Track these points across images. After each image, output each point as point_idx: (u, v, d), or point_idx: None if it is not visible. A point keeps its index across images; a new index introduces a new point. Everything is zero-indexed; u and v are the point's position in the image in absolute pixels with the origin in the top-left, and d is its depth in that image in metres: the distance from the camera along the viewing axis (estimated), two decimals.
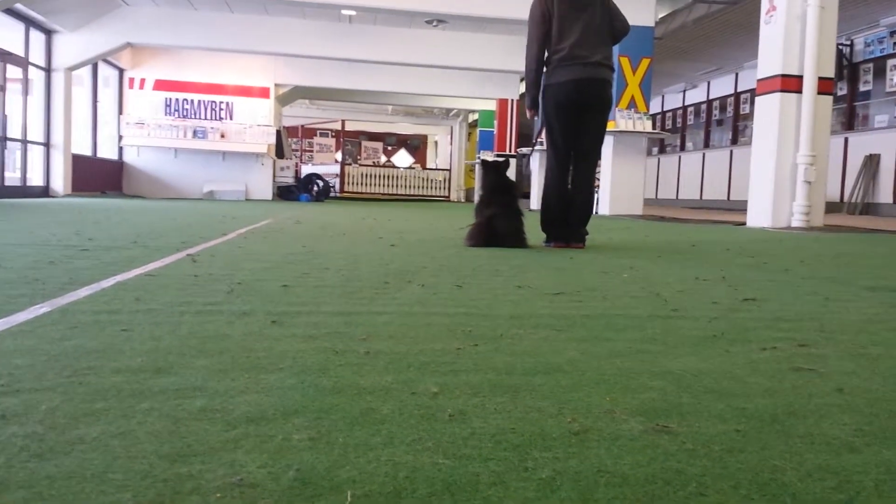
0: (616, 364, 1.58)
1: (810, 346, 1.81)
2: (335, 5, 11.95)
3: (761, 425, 1.18)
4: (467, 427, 1.13)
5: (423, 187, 24.97)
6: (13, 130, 12.48)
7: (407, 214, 10.51)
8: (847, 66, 13.89)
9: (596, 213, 12.06)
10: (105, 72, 16.55)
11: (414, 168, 28.22)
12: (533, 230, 4.81)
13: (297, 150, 26.01)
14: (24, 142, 12.90)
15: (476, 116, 23.86)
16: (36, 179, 13.50)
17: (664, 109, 22.12)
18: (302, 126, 27.89)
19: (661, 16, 12.32)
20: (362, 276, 2.99)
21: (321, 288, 2.62)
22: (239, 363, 1.50)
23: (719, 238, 6.25)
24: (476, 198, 17.77)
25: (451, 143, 28.07)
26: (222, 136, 17.49)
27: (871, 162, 12.79)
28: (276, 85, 18.06)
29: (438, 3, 11.41)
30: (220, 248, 4.12)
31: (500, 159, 5.05)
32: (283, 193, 18.40)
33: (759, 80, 8.32)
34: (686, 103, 21.10)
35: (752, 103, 13.41)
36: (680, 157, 20.82)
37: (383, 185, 24.66)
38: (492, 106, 20.60)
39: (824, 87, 7.90)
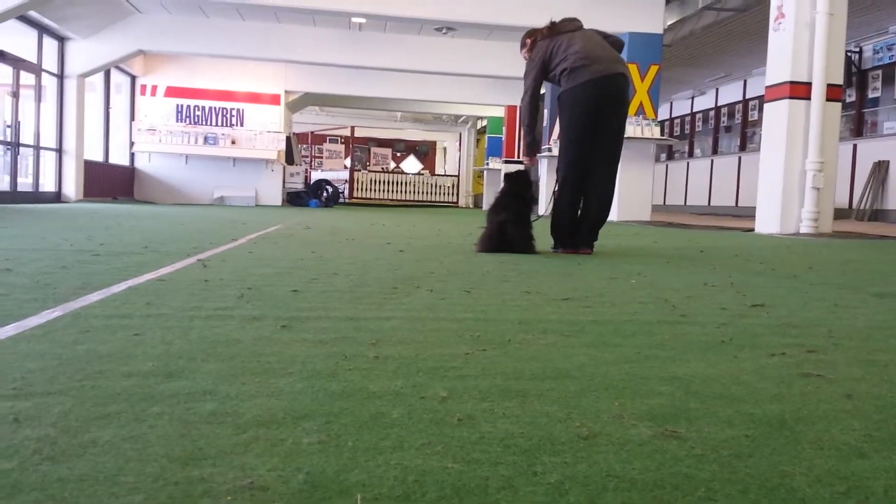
0: (624, 369, 1.58)
1: (819, 352, 1.81)
2: (345, 13, 11.99)
3: (770, 430, 1.18)
4: (476, 431, 1.14)
5: (431, 193, 25.02)
6: (26, 136, 12.57)
7: (415, 220, 10.52)
8: (856, 73, 13.86)
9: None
10: (117, 78, 16.65)
11: (423, 174, 28.24)
12: (541, 235, 4.80)
13: (306, 157, 26.10)
14: (37, 148, 12.99)
15: (485, 123, 23.88)
16: (48, 185, 13.58)
17: (672, 116, 22.10)
18: (312, 132, 28.01)
19: (669, 23, 12.31)
20: (371, 282, 3.00)
21: (330, 293, 2.63)
22: (249, 367, 1.51)
23: (727, 244, 6.23)
24: (487, 204, 17.65)
25: (460, 150, 28.09)
26: (233, 142, 17.56)
27: (880, 168, 12.74)
28: (287, 92, 18.13)
29: (448, 11, 11.43)
30: (230, 254, 4.14)
31: (521, 168, 5.05)
32: (293, 199, 18.46)
33: (767, 87, 8.31)
34: (694, 110, 21.07)
35: (761, 110, 13.37)
36: (688, 164, 20.79)
37: (392, 191, 24.71)
38: (500, 112, 20.63)
39: (833, 93, 7.88)
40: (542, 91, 4.93)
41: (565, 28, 4.89)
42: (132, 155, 17.25)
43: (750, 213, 9.88)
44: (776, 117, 8.06)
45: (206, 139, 17.40)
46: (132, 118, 17.19)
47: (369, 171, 26.79)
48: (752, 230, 8.46)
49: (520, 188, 4.78)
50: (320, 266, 3.58)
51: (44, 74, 13.08)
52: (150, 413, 1.19)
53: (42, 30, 12.94)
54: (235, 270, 3.28)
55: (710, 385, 1.46)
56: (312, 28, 14.95)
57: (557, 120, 4.99)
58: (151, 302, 2.30)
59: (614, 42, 4.93)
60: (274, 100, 17.92)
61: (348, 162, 27.51)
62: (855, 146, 13.55)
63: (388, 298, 2.54)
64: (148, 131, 17.08)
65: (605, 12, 10.36)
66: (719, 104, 19.67)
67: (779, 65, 8.06)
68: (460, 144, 28.09)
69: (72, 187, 13.85)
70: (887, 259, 5.05)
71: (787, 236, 7.60)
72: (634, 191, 11.61)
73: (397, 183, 25.08)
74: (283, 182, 18.56)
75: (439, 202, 24.75)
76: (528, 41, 5.04)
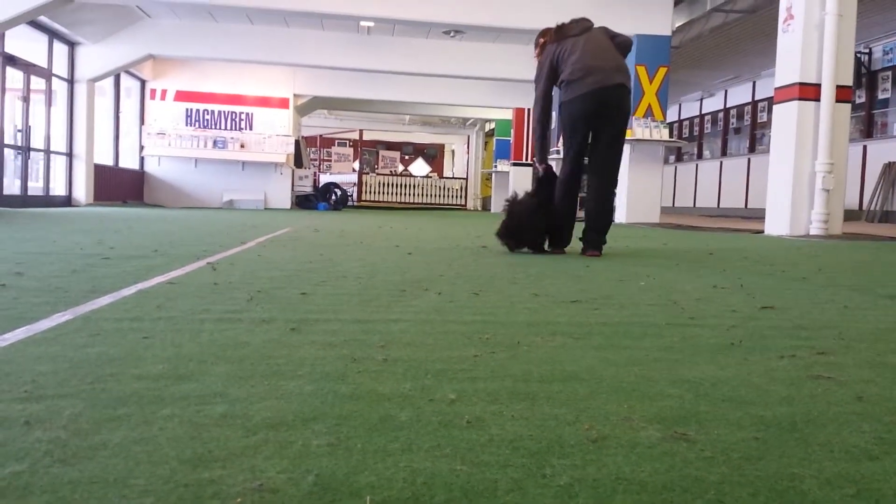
0: (634, 372, 1.57)
1: (829, 354, 1.80)
2: (354, 17, 12.02)
3: (780, 433, 1.18)
4: (485, 434, 1.14)
5: (439, 196, 25.03)
6: (37, 141, 12.65)
7: (423, 223, 10.53)
8: (865, 74, 13.80)
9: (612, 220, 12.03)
10: (127, 83, 16.74)
11: (431, 177, 28.28)
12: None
13: (315, 160, 26.18)
14: (48, 152, 13.07)
15: (493, 125, 23.89)
16: (59, 189, 13.67)
17: (681, 118, 22.06)
18: (320, 136, 28.10)
19: (678, 25, 12.29)
20: (379, 284, 3.00)
21: (339, 296, 2.64)
22: (259, 370, 1.51)
23: (737, 246, 6.21)
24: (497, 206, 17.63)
25: (468, 152, 28.11)
26: (242, 146, 17.63)
27: (890, 170, 12.67)
28: (296, 95, 18.20)
29: (456, 14, 11.45)
30: (239, 257, 4.15)
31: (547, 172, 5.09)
32: (302, 202, 18.51)
33: (776, 89, 8.28)
34: (703, 111, 21.03)
35: (770, 111, 13.33)
36: (697, 166, 20.73)
37: (400, 194, 24.74)
38: (508, 115, 20.64)
39: (842, 95, 7.85)
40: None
41: (572, 31, 4.89)
42: (142, 159, 17.34)
43: (759, 215, 9.85)
44: (785, 119, 8.04)
45: (215, 143, 17.48)
46: (142, 122, 17.28)
47: (378, 174, 26.83)
48: (762, 232, 8.43)
49: (542, 189, 4.89)
50: (329, 269, 3.59)
51: (54, 79, 13.17)
52: (160, 415, 1.19)
53: (53, 35, 13.03)
54: (245, 273, 3.29)
55: (719, 387, 1.46)
56: (321, 32, 15.00)
57: None
58: (161, 305, 2.31)
59: (621, 43, 4.92)
60: (283, 103, 17.99)
61: (357, 165, 27.56)
62: (865, 147, 13.49)
63: (396, 301, 2.54)
64: (157, 135, 17.17)
65: (614, 14, 10.34)
66: (728, 106, 19.62)
67: (788, 66, 8.04)
68: (468, 147, 28.11)
69: (82, 191, 13.93)
70: None
71: (797, 238, 7.57)
72: (643, 193, 11.60)
73: (405, 186, 25.11)
74: (292, 185, 18.62)
75: (447, 205, 24.76)
76: (541, 41, 5.06)
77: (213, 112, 17.78)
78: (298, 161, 18.79)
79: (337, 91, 18.31)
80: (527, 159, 19.15)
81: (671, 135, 12.04)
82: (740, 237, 7.90)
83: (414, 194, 24.87)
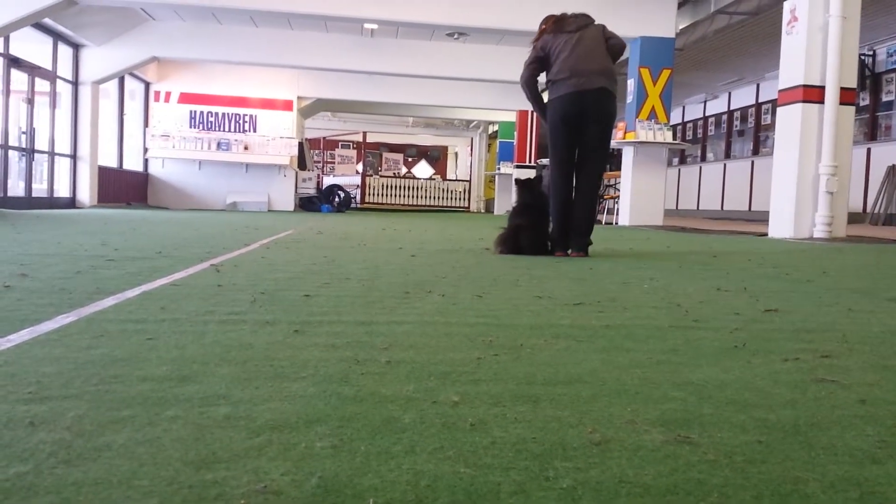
0: (637, 374, 1.57)
1: (833, 357, 1.80)
2: (358, 19, 12.04)
3: (783, 436, 1.18)
4: (488, 436, 1.14)
5: (443, 198, 25.02)
6: (41, 143, 12.68)
7: (427, 225, 10.53)
8: (869, 77, 13.77)
9: (615, 223, 12.02)
10: (131, 85, 16.78)
11: (434, 179, 28.27)
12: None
13: (318, 162, 26.18)
14: (52, 154, 13.10)
15: (496, 128, 23.88)
16: (63, 191, 13.69)
17: (685, 120, 22.03)
18: (324, 138, 28.11)
19: (681, 27, 12.28)
20: (383, 286, 3.00)
21: (342, 298, 2.64)
22: (262, 372, 1.51)
23: (740, 249, 6.20)
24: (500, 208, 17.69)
25: (471, 155, 28.11)
26: (246, 148, 17.66)
27: (894, 172, 12.64)
28: (299, 98, 18.21)
29: (459, 16, 11.45)
30: (243, 259, 4.16)
31: (532, 176, 5.28)
32: (305, 204, 18.52)
33: (780, 91, 8.27)
34: (707, 114, 20.99)
35: (774, 114, 13.31)
36: (701, 168, 20.71)
37: (404, 196, 24.74)
38: (512, 117, 20.62)
39: (846, 97, 7.83)
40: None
41: (568, 26, 4.96)
42: (146, 161, 17.37)
43: (763, 218, 9.84)
44: (789, 121, 8.03)
45: (219, 145, 17.50)
46: (146, 124, 17.32)
47: (381, 176, 26.83)
48: (766, 235, 8.42)
49: (530, 195, 4.98)
50: (332, 271, 3.59)
51: (59, 81, 13.20)
52: (164, 417, 1.19)
53: (57, 37, 13.06)
54: (248, 275, 3.30)
55: (723, 390, 1.46)
56: (325, 34, 15.01)
57: None
58: (165, 307, 2.32)
59: (613, 46, 4.95)
60: (286, 106, 18.01)
61: (360, 167, 27.59)
62: (869, 150, 13.45)
63: (400, 303, 2.54)
64: (161, 137, 17.20)
65: (618, 16, 10.34)
66: (732, 108, 19.59)
67: (792, 68, 8.03)
68: (472, 149, 28.11)
69: (86, 193, 13.96)
70: None
71: (801, 241, 7.56)
72: (646, 195, 11.59)
73: (409, 188, 25.11)
74: (296, 187, 18.64)
75: (451, 207, 24.76)
76: (542, 27, 5.15)
77: (216, 114, 17.81)
78: (302, 163, 18.80)
79: (340, 93, 18.32)
80: (530, 162, 19.14)
81: (674, 137, 12.03)
82: (744, 240, 7.89)
83: (417, 196, 24.87)
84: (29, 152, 12.12)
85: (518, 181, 5.16)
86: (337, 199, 18.73)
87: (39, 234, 5.77)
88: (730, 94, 19.56)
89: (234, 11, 12.72)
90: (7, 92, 11.31)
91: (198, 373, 1.49)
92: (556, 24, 5.02)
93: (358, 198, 23.75)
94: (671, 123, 11.68)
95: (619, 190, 12.56)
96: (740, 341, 1.97)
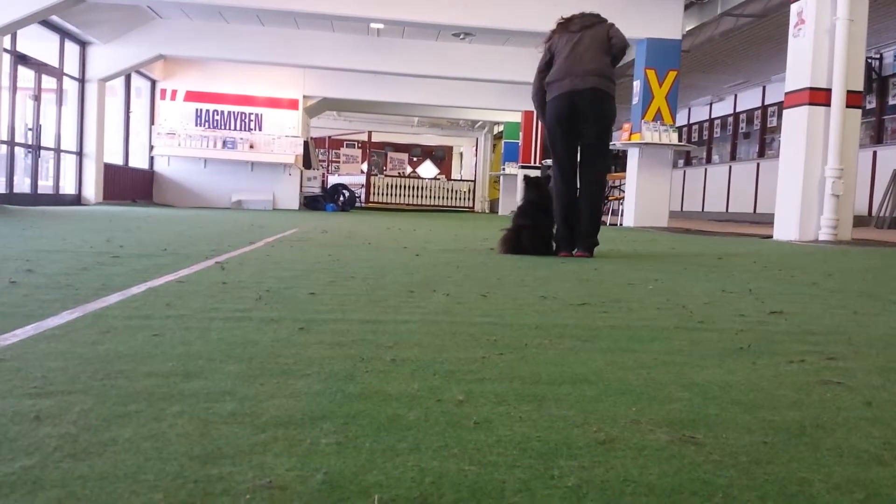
0: (642, 375, 1.57)
1: (838, 359, 1.80)
2: (364, 18, 12.06)
3: (789, 437, 1.17)
4: (493, 435, 1.14)
5: (447, 198, 25.04)
6: (47, 139, 12.71)
7: (431, 225, 10.53)
8: (876, 79, 13.73)
9: (620, 224, 12.01)
10: (137, 83, 16.82)
11: (439, 179, 28.27)
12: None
13: (324, 161, 26.21)
14: (58, 151, 13.14)
15: (501, 128, 23.88)
16: (68, 188, 13.73)
17: (690, 122, 22.01)
18: (329, 137, 28.13)
19: (688, 29, 12.27)
20: (388, 285, 3.01)
21: (347, 296, 2.64)
22: (267, 368, 1.52)
23: (746, 251, 6.19)
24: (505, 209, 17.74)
25: (476, 155, 28.11)
26: (251, 146, 17.68)
27: None
28: (305, 97, 18.24)
29: (466, 16, 11.46)
30: (248, 256, 4.16)
31: (539, 176, 5.33)
32: (310, 203, 18.55)
33: (787, 93, 8.25)
34: (713, 116, 20.97)
35: (780, 116, 13.28)
36: (706, 170, 20.68)
37: (408, 196, 24.76)
38: (517, 118, 20.63)
39: (853, 100, 7.82)
40: None
41: (572, 26, 5.00)
42: (151, 158, 17.41)
43: (768, 220, 9.82)
44: (796, 124, 8.01)
45: (224, 143, 17.53)
46: (152, 122, 17.36)
47: (386, 175, 26.86)
48: (771, 237, 8.40)
49: (536, 195, 4.99)
50: (337, 269, 3.60)
51: (65, 78, 13.24)
52: (169, 412, 1.20)
53: (64, 34, 13.10)
54: (253, 273, 3.30)
55: (728, 391, 1.45)
56: (331, 33, 15.03)
57: None
58: (171, 303, 2.32)
59: (614, 45, 4.95)
60: (292, 104, 18.03)
61: (365, 166, 27.61)
62: (875, 153, 13.42)
63: (404, 302, 2.54)
64: (167, 135, 17.24)
65: (624, 18, 10.31)
66: (738, 110, 19.56)
67: (799, 71, 8.01)
68: (477, 149, 28.10)
69: (92, 190, 14.00)
70: None
71: (806, 243, 7.54)
72: (652, 197, 11.58)
73: (414, 188, 25.13)
74: (301, 186, 18.66)
75: (455, 207, 24.77)
76: (552, 29, 5.16)
77: (222, 112, 17.84)
78: (307, 162, 18.82)
79: (346, 92, 18.34)
80: (535, 162, 19.14)
81: (680, 139, 12.02)
82: (749, 242, 7.88)
83: (422, 196, 24.88)
84: (35, 149, 12.15)
85: (526, 179, 5.21)
86: (342, 199, 18.75)
87: (45, 231, 5.79)
88: (736, 96, 19.54)
89: (240, 10, 12.74)
90: (14, 89, 11.34)
91: (203, 369, 1.49)
92: (562, 25, 5.04)
93: (363, 197, 23.76)
94: (677, 125, 11.68)
95: (623, 191, 12.55)
96: (745, 343, 1.97)
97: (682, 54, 11.77)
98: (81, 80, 13.83)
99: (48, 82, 12.65)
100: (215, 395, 1.30)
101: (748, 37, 13.49)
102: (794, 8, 8.16)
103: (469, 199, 25.30)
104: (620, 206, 12.61)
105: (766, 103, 18.21)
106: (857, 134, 8.03)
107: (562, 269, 4.03)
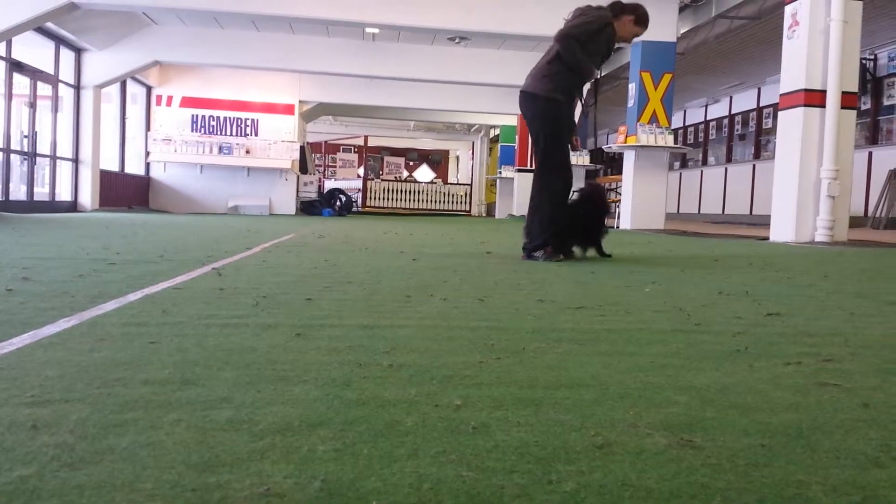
0: (639, 378, 1.57)
1: (835, 361, 1.80)
2: (359, 23, 12.05)
3: (786, 440, 1.17)
4: (491, 440, 1.14)
5: (444, 202, 25.06)
6: (43, 146, 12.69)
7: (428, 229, 10.53)
8: (871, 81, 13.77)
9: (617, 227, 12.02)
10: (133, 89, 16.80)
11: (435, 183, 28.29)
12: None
13: (320, 166, 26.22)
14: (54, 157, 13.11)
15: (497, 132, 23.90)
16: (64, 194, 13.71)
17: (686, 124, 22.04)
18: (325, 142, 28.12)
19: (683, 31, 12.28)
20: (384, 290, 3.01)
21: (344, 301, 2.64)
22: (265, 375, 1.52)
23: (742, 253, 6.20)
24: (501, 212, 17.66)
25: (473, 159, 28.13)
26: (247, 151, 17.67)
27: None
28: (301, 102, 18.23)
29: (461, 20, 11.47)
30: (244, 263, 4.16)
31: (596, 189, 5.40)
32: (307, 208, 18.53)
33: (781, 95, 8.27)
34: (708, 118, 21.01)
35: (775, 118, 13.32)
36: (702, 172, 20.71)
37: (405, 200, 24.78)
38: (513, 121, 20.63)
39: (848, 101, 7.83)
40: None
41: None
42: (147, 165, 17.38)
43: (764, 222, 9.83)
44: (791, 125, 8.02)
45: (220, 149, 17.52)
46: (148, 128, 17.33)
47: (382, 180, 26.88)
48: (767, 239, 8.41)
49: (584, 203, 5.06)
50: (334, 274, 3.60)
51: (61, 85, 13.22)
52: (166, 420, 1.19)
53: (59, 41, 13.08)
54: (250, 279, 3.30)
55: (725, 394, 1.46)
56: (326, 38, 15.04)
57: None
58: (167, 310, 2.32)
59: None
60: (288, 109, 18.03)
61: (361, 171, 27.62)
62: (870, 154, 13.45)
63: (401, 307, 2.54)
64: (163, 141, 17.21)
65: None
66: (733, 112, 19.59)
67: (793, 72, 8.03)
68: (473, 153, 28.13)
69: (88, 197, 13.97)
70: None
71: (802, 245, 7.55)
72: (648, 199, 11.59)
73: (410, 192, 25.15)
74: (297, 191, 18.65)
75: (452, 211, 24.78)
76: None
77: (218, 118, 17.83)
78: (303, 167, 18.81)
79: (342, 97, 18.35)
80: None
81: (676, 141, 12.04)
82: (745, 244, 7.89)
83: (418, 200, 24.90)
84: (31, 156, 12.13)
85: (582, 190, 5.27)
86: (338, 203, 18.73)
87: (41, 238, 5.78)
88: (731, 98, 19.58)
89: (235, 16, 12.72)
90: (9, 96, 11.32)
91: (200, 376, 1.49)
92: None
93: (359, 202, 23.76)
94: (672, 127, 11.69)
95: (620, 194, 12.57)
96: (742, 345, 1.97)
97: (677, 57, 11.79)
98: (77, 87, 13.81)
99: (44, 89, 12.63)
100: (212, 403, 1.30)
101: (743, 39, 13.52)
102: (788, 9, 8.18)
103: (466, 202, 25.31)
104: (617, 209, 12.62)
105: (761, 105, 18.24)
106: (852, 135, 8.04)
107: (558, 273, 4.03)
